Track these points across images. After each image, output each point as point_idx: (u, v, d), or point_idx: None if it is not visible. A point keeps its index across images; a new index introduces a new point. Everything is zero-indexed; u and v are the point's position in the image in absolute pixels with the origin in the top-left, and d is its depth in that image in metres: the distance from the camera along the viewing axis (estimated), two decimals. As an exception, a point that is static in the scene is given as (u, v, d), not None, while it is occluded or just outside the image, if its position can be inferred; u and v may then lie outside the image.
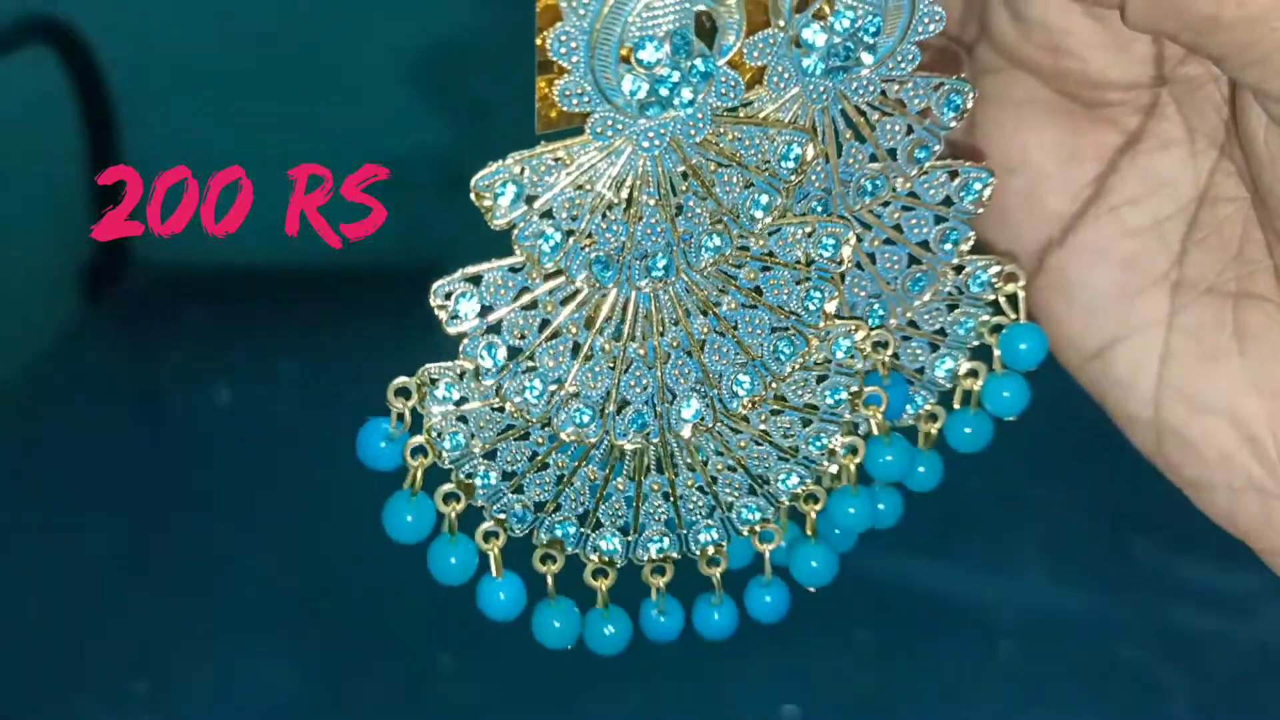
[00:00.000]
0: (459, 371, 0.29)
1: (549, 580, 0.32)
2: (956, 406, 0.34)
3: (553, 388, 0.29)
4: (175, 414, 0.96)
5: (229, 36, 1.04)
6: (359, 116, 1.04)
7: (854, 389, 0.32)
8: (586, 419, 0.30)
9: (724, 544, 0.33)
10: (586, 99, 0.26)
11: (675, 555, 0.33)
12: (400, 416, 0.30)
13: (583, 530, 0.33)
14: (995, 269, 0.33)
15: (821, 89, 0.28)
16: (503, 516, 0.32)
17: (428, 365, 0.29)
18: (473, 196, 0.27)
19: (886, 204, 0.31)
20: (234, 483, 0.82)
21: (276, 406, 0.89)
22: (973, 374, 0.34)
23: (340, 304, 0.98)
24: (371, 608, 0.72)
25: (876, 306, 0.33)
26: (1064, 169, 0.33)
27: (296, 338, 0.96)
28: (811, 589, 0.33)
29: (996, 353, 0.33)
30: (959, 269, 0.33)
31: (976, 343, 0.34)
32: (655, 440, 0.31)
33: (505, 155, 0.27)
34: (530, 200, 0.27)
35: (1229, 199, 0.32)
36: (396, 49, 1.02)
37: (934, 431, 0.34)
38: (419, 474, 0.30)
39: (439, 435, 0.30)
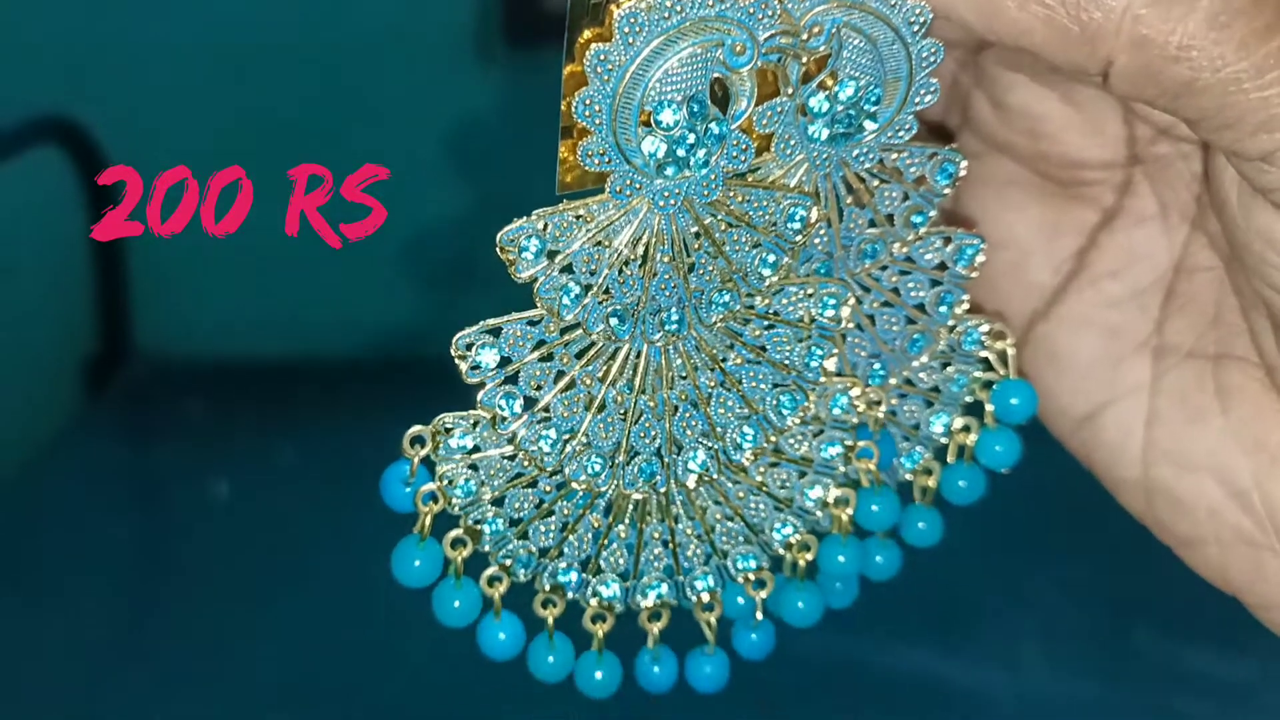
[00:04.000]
0: (473, 421, 0.31)
1: (549, 623, 0.33)
2: (951, 461, 0.35)
3: (566, 437, 0.31)
4: (175, 505, 0.96)
5: (237, 135, 1.06)
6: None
7: (848, 443, 0.33)
8: (598, 468, 0.31)
9: (719, 591, 0.34)
10: (608, 158, 0.27)
11: (672, 602, 0.34)
12: (421, 462, 0.31)
13: (584, 576, 0.34)
14: (986, 327, 0.34)
15: (825, 155, 0.30)
16: (508, 562, 0.33)
17: (443, 414, 0.31)
18: (498, 250, 0.28)
19: (885, 268, 0.33)
20: (234, 574, 0.82)
21: (276, 498, 0.89)
22: (966, 429, 0.35)
23: (340, 395, 0.98)
24: (373, 697, 0.72)
25: (877, 366, 0.34)
26: (1046, 244, 0.35)
27: (296, 429, 0.97)
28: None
29: (989, 408, 0.34)
30: (952, 328, 0.34)
31: (970, 399, 0.35)
32: (662, 490, 0.32)
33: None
34: (552, 255, 0.28)
35: (1204, 268, 0.33)
36: (406, 143, 1.04)
37: (930, 485, 0.35)
38: (428, 519, 0.31)
39: (450, 482, 0.31)
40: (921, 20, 0.28)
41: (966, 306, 0.34)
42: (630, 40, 0.26)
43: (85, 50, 1.03)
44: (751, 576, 0.34)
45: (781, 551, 0.34)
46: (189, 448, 0.97)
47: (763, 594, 0.34)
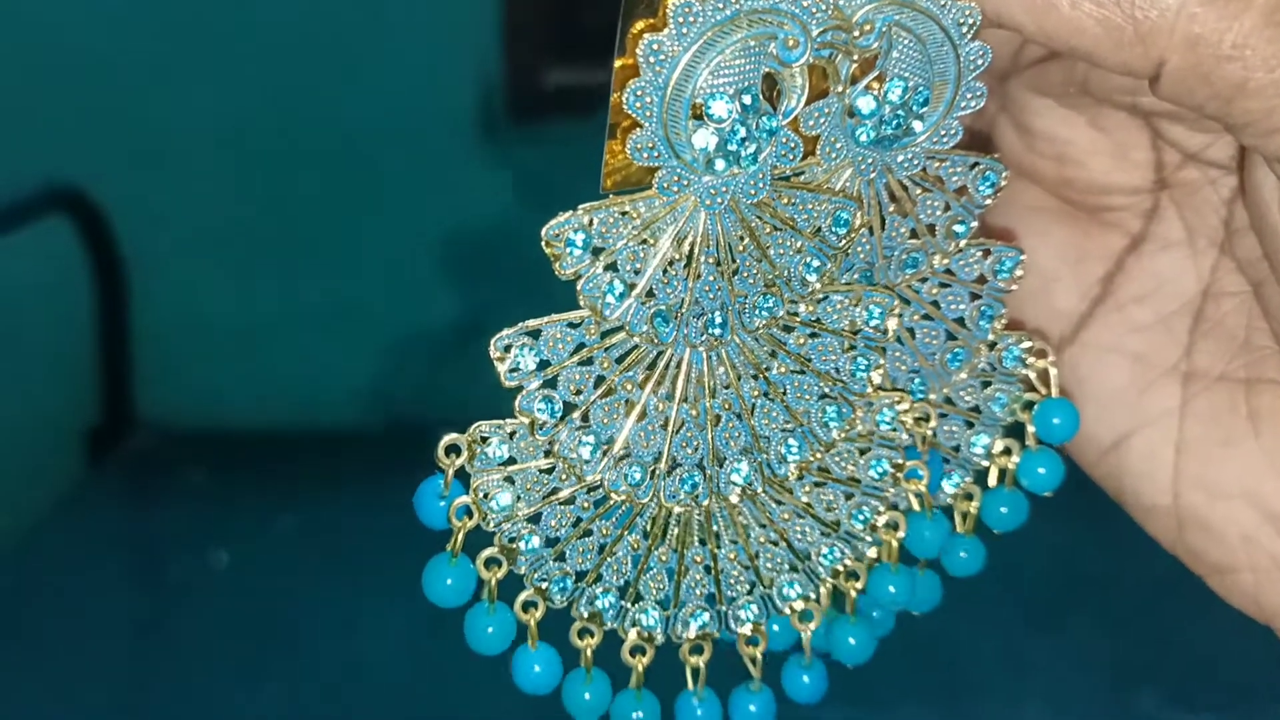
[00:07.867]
0: (510, 430, 0.30)
1: (586, 655, 0.32)
2: (992, 484, 0.35)
3: (605, 445, 0.30)
4: (175, 574, 0.95)
5: (242, 206, 1.07)
6: (366, 284, 1.06)
7: (896, 462, 0.32)
8: (638, 477, 0.30)
9: (763, 622, 0.33)
10: (656, 152, 0.27)
11: (714, 633, 0.33)
12: (456, 475, 0.30)
13: (623, 603, 0.32)
14: (1026, 344, 0.34)
15: (870, 159, 0.30)
16: (544, 585, 0.31)
17: (479, 422, 0.30)
18: (543, 245, 0.28)
19: (925, 280, 0.33)
20: (233, 642, 0.82)
21: (276, 567, 0.89)
22: (1007, 451, 0.34)
23: (339, 465, 0.98)
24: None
25: (917, 380, 0.34)
26: (1072, 270, 0.35)
27: (296, 499, 0.96)
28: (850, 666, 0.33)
29: (1030, 429, 0.34)
30: (992, 345, 0.34)
31: (1010, 420, 0.34)
32: (704, 503, 0.31)
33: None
34: (596, 252, 0.28)
35: (1231, 293, 0.33)
36: (410, 218, 1.04)
37: (972, 511, 0.34)
38: (461, 536, 0.30)
39: (485, 495, 0.30)
40: (971, 22, 0.28)
41: (1005, 322, 0.34)
42: (684, 30, 0.26)
43: (97, 124, 1.04)
44: (798, 607, 0.33)
45: (829, 580, 0.33)
46: (189, 517, 0.97)
47: (809, 628, 0.33)
